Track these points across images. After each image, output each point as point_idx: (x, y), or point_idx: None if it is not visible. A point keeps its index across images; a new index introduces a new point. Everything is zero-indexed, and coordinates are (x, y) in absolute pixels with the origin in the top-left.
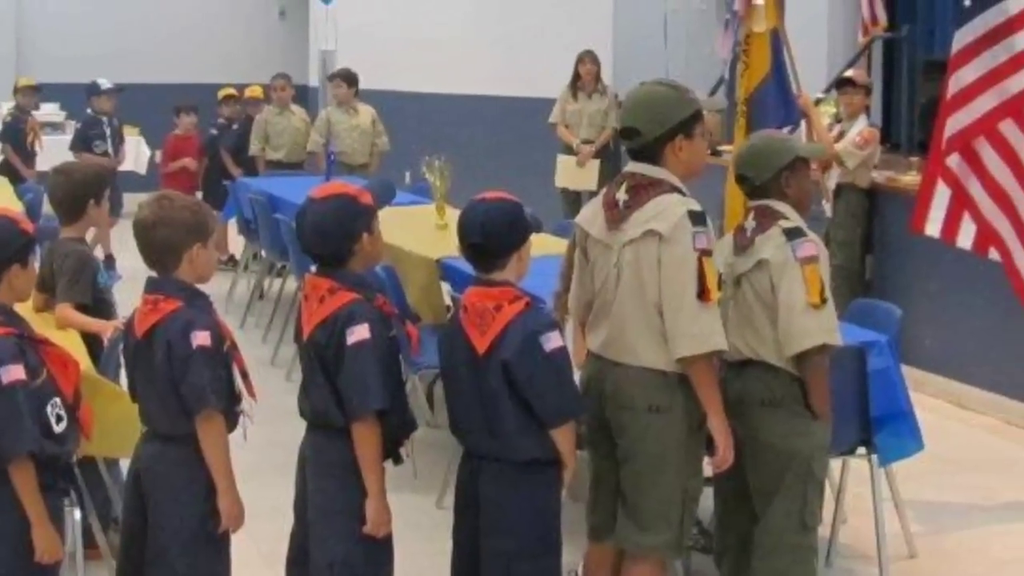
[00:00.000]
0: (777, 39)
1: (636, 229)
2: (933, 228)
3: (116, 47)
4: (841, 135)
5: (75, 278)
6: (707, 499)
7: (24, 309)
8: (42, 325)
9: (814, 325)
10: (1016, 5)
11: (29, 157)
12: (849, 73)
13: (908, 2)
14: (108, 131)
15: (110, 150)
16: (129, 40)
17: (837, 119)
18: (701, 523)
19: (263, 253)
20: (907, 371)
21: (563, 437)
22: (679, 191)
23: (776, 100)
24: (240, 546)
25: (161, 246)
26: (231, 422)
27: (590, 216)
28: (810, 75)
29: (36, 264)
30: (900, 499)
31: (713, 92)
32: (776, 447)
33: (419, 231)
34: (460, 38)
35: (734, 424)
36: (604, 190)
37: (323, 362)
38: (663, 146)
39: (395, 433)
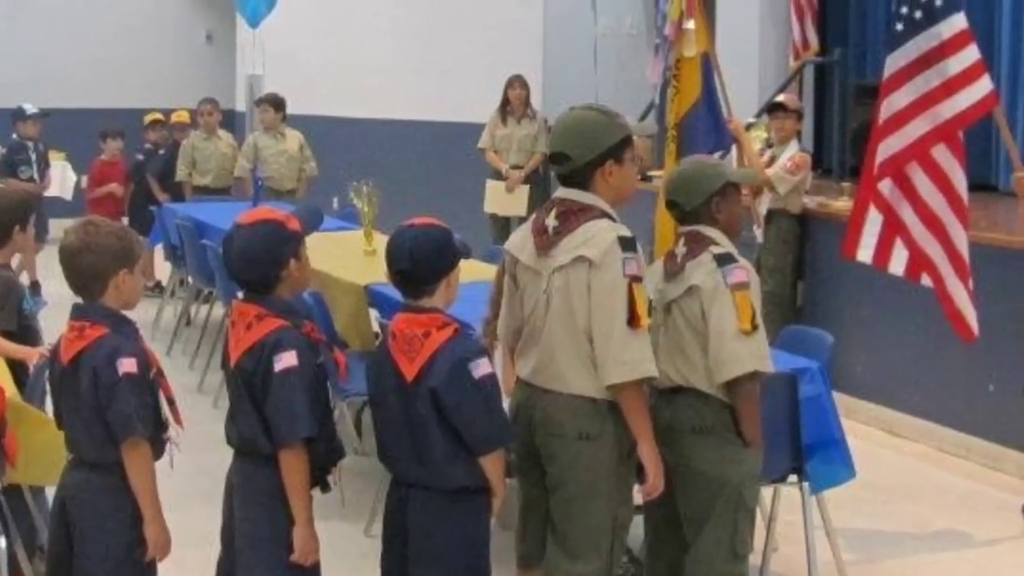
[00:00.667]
0: (708, 64)
1: (566, 255)
2: (865, 254)
3: (41, 72)
4: (772, 160)
5: (0, 304)
6: (637, 527)
7: None
8: None
9: (745, 352)
10: (949, 30)
11: None
12: (780, 98)
13: (840, 26)
14: (34, 156)
15: (36, 175)
16: (55, 65)
17: (768, 144)
18: (631, 551)
19: (190, 279)
20: (839, 398)
21: (492, 465)
22: (609, 217)
23: (707, 125)
24: (167, 574)
25: (87, 272)
26: (157, 449)
27: (519, 242)
28: (741, 100)
29: None
30: (832, 527)
31: (643, 117)
32: (707, 475)
33: (347, 257)
34: (388, 63)
35: (664, 452)
36: (533, 216)
37: (250, 389)
38: (593, 171)
39: (323, 461)
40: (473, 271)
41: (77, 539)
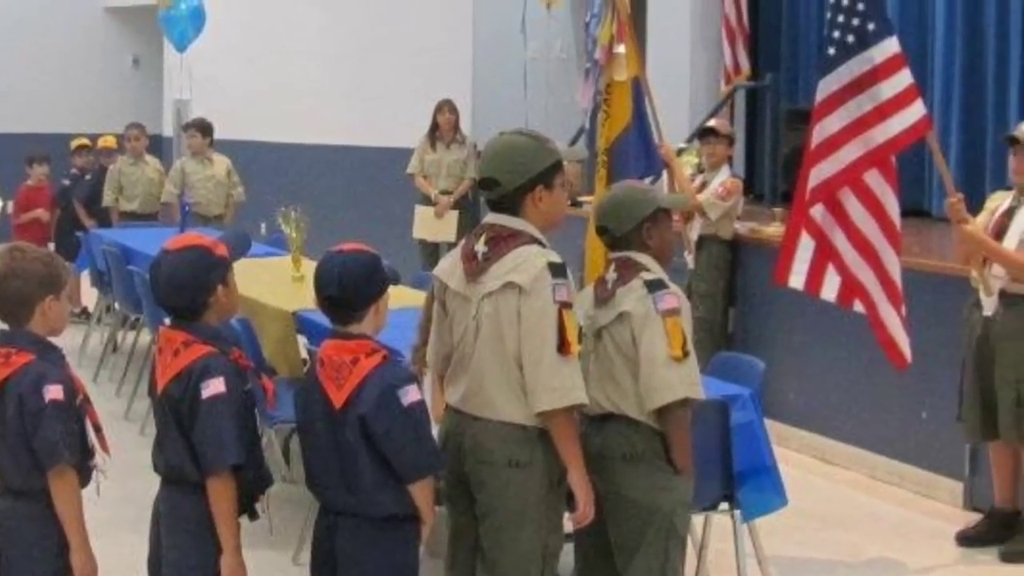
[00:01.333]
0: (639, 88)
1: (495, 281)
2: (797, 280)
3: None
4: (703, 186)
5: None
6: (567, 555)
7: None
8: None
9: (676, 378)
10: (881, 54)
11: None
12: (711, 123)
13: (771, 50)
14: None
15: None
16: None
17: (699, 169)
18: None
19: (116, 305)
20: (770, 425)
21: (421, 492)
22: (539, 242)
23: (637, 150)
24: None
25: (13, 298)
26: (84, 477)
27: (449, 268)
28: (672, 124)
29: None
30: (763, 555)
31: (574, 142)
32: (637, 502)
33: (275, 283)
34: (316, 87)
35: (595, 479)
36: (463, 242)
37: (177, 416)
38: (523, 197)
39: (251, 488)
40: (402, 297)
41: (3, 567)
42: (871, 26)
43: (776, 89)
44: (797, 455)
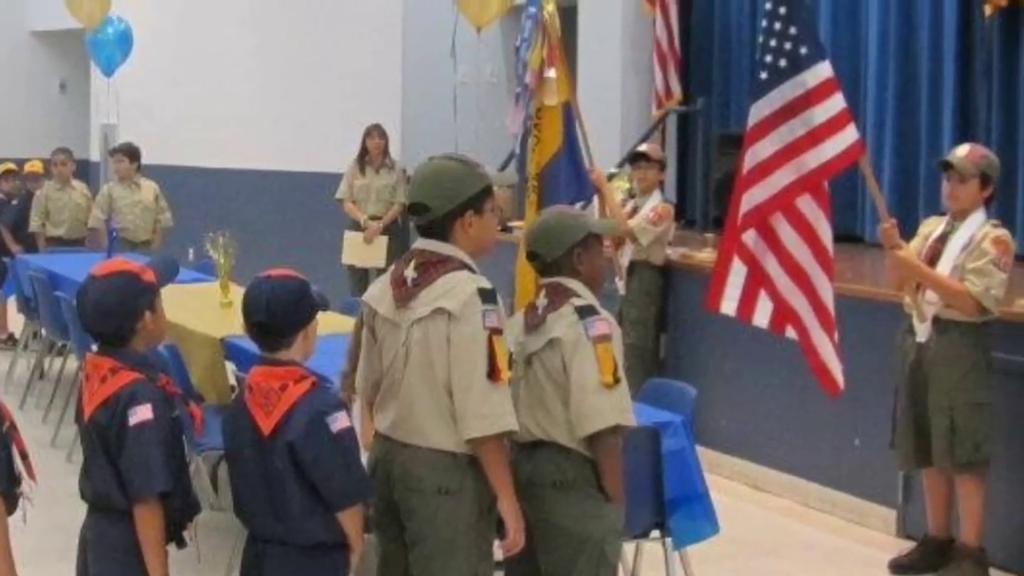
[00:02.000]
0: (569, 112)
1: (425, 307)
2: (728, 306)
3: None
4: (635, 211)
5: None
6: None
7: None
8: None
9: (607, 405)
10: (814, 78)
11: None
12: (643, 147)
13: (703, 75)
14: None
15: None
16: None
17: (631, 194)
18: None
19: (43, 331)
20: (702, 452)
21: (350, 520)
22: (469, 268)
23: (568, 175)
24: None
25: None
26: (10, 504)
27: (378, 294)
28: (603, 149)
29: None
30: None
31: (504, 167)
32: (568, 530)
33: (203, 309)
34: (245, 112)
35: (525, 507)
36: (392, 267)
37: (105, 443)
38: (452, 222)
39: (178, 516)
40: (331, 323)
41: None
42: (804, 50)
43: (708, 114)
44: (729, 482)
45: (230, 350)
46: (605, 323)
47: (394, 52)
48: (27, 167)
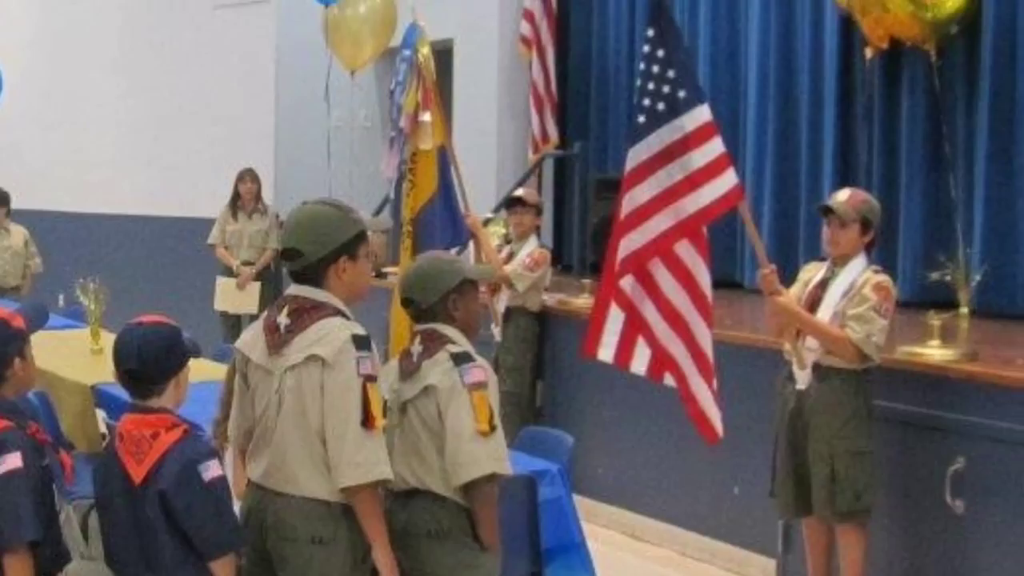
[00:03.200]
0: (444, 157)
1: (298, 354)
2: (606, 353)
3: None
4: (511, 256)
5: None
6: None
7: None
8: None
9: (482, 453)
10: (692, 122)
11: None
12: (519, 192)
13: (580, 118)
14: None
15: None
16: None
17: (507, 240)
18: None
19: None
20: (579, 501)
21: (223, 570)
22: (343, 314)
23: (443, 220)
24: None
25: None
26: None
27: (251, 340)
28: (479, 194)
29: None
30: None
31: (378, 212)
32: None
33: (73, 356)
34: (115, 156)
35: (400, 556)
36: (265, 313)
37: None
38: (326, 268)
39: (48, 565)
40: (203, 370)
41: None
42: (682, 94)
43: (585, 158)
44: (606, 531)
45: (101, 397)
46: (481, 370)
47: (267, 96)
48: None
